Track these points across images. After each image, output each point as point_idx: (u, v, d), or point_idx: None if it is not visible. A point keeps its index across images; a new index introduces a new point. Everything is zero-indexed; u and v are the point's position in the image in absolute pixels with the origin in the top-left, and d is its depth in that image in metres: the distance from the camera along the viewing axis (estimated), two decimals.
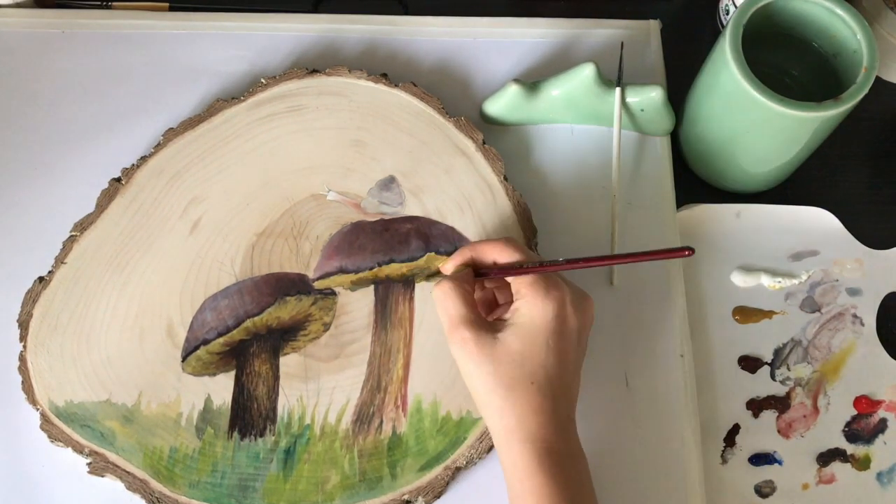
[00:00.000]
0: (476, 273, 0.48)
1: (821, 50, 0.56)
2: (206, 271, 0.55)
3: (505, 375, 0.43)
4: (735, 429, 0.54)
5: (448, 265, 0.49)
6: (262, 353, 0.53)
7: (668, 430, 0.53)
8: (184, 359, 0.53)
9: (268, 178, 0.58)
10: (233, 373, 0.53)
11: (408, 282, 0.55)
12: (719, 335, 0.56)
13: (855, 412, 0.55)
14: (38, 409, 0.51)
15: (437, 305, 0.46)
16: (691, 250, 0.42)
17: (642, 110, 0.58)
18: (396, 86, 0.60)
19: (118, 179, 0.57)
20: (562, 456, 0.43)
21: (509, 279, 0.47)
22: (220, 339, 0.53)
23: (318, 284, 0.55)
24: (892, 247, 0.59)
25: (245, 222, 0.56)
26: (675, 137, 0.61)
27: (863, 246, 0.59)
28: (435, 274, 0.54)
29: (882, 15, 0.62)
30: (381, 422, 0.52)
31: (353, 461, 0.51)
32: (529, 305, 0.44)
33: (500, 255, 0.47)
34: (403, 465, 0.51)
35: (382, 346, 0.53)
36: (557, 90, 0.58)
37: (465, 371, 0.45)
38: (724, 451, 0.54)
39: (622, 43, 0.61)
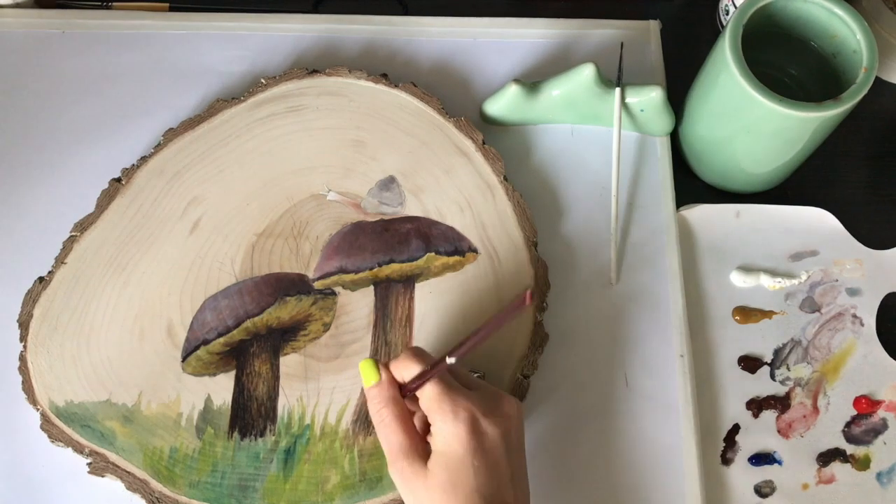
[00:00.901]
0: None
1: (821, 50, 0.56)
2: (206, 271, 0.55)
3: None
4: (735, 429, 0.54)
5: (366, 378, 0.46)
6: (262, 353, 0.53)
7: (667, 430, 0.53)
8: (184, 359, 0.53)
9: (268, 178, 0.58)
10: (233, 373, 0.53)
11: (408, 282, 0.55)
12: (719, 335, 0.56)
13: (855, 412, 0.55)
14: (38, 409, 0.51)
15: (377, 433, 0.45)
16: (531, 297, 0.40)
17: (642, 110, 0.58)
18: (396, 86, 0.60)
19: (118, 179, 0.57)
20: None
21: (420, 403, 0.44)
22: (221, 339, 0.53)
23: (318, 284, 0.55)
24: (892, 247, 0.59)
25: (245, 222, 0.56)
26: (675, 137, 0.61)
27: (863, 246, 0.59)
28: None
29: (882, 15, 0.62)
30: None
31: (353, 461, 0.51)
32: (442, 431, 0.43)
33: (405, 370, 0.45)
34: None
35: (382, 346, 0.53)
36: (557, 90, 0.58)
37: (406, 502, 0.44)
38: (724, 451, 0.54)
39: (622, 43, 0.61)
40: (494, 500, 0.42)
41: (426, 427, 0.45)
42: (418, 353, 0.45)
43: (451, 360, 0.42)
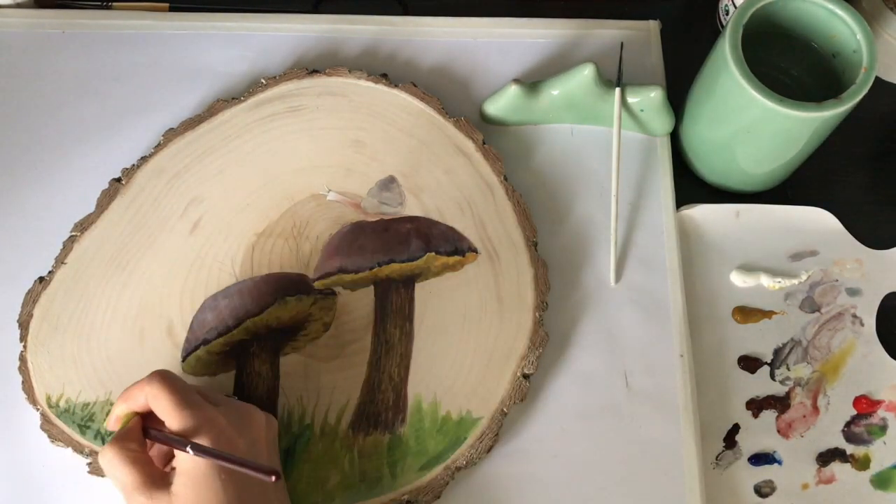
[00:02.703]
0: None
1: (821, 50, 0.56)
2: (206, 271, 0.55)
3: None
4: (735, 429, 0.54)
5: (110, 420, 0.46)
6: (262, 353, 0.53)
7: (667, 430, 0.53)
8: (184, 359, 0.53)
9: (268, 178, 0.58)
10: (233, 373, 0.53)
11: (408, 282, 0.55)
12: (719, 335, 0.56)
13: (855, 412, 0.55)
14: (38, 409, 0.51)
15: (107, 475, 0.43)
16: (278, 475, 0.40)
17: (642, 110, 0.58)
18: (396, 86, 0.60)
19: (118, 179, 0.57)
20: None
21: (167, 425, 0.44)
22: (221, 339, 0.53)
23: (318, 284, 0.55)
24: (892, 247, 0.59)
25: (245, 222, 0.56)
26: (675, 137, 0.61)
27: (863, 246, 0.59)
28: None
29: (882, 15, 0.62)
30: (381, 422, 0.52)
31: (353, 461, 0.51)
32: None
33: (152, 397, 0.43)
34: (403, 465, 0.51)
35: (382, 346, 0.53)
36: (557, 90, 0.58)
37: None
38: (723, 452, 0.54)
39: (622, 43, 0.61)
40: None
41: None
42: (163, 381, 0.44)
43: (189, 452, 0.41)
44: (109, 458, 0.43)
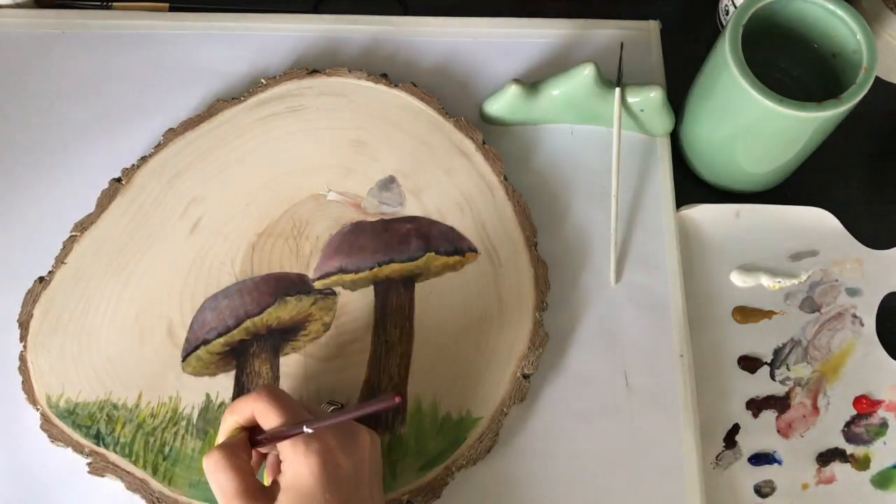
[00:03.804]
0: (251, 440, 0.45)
1: (821, 50, 0.56)
2: (206, 271, 0.55)
3: None
4: (735, 429, 0.54)
5: (220, 435, 0.45)
6: (262, 353, 0.53)
7: (668, 431, 0.53)
8: (184, 359, 0.53)
9: (268, 178, 0.58)
10: (233, 373, 0.53)
11: (408, 282, 0.55)
12: (719, 335, 0.56)
13: (855, 412, 0.55)
14: (38, 409, 0.51)
15: (208, 479, 0.43)
16: (400, 397, 0.39)
17: (642, 110, 0.58)
18: (396, 86, 0.60)
19: (118, 179, 0.57)
20: None
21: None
22: (221, 339, 0.53)
23: (318, 284, 0.55)
24: (892, 247, 0.59)
25: (245, 222, 0.56)
26: (675, 137, 0.61)
27: (862, 246, 0.59)
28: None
29: (882, 15, 0.62)
30: (381, 422, 0.51)
31: None
32: (293, 465, 0.41)
33: (260, 412, 0.43)
34: (403, 465, 0.51)
35: (382, 346, 0.53)
36: (557, 90, 0.58)
37: None
38: (723, 452, 0.54)
39: (622, 43, 0.61)
40: None
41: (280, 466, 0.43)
42: (271, 394, 0.43)
43: (307, 430, 0.41)
44: (215, 461, 0.42)
